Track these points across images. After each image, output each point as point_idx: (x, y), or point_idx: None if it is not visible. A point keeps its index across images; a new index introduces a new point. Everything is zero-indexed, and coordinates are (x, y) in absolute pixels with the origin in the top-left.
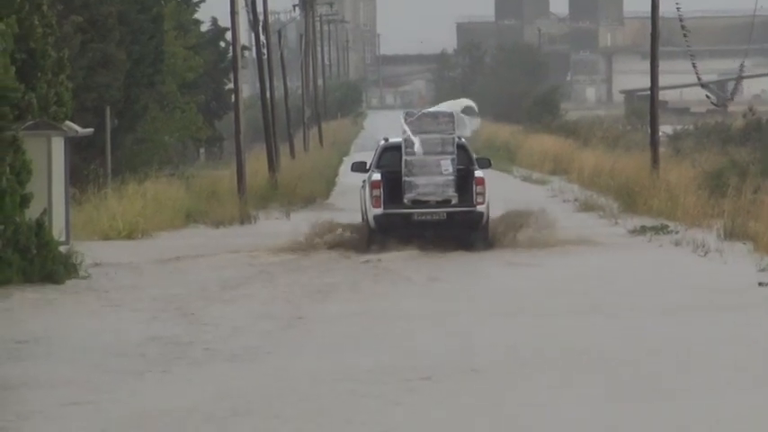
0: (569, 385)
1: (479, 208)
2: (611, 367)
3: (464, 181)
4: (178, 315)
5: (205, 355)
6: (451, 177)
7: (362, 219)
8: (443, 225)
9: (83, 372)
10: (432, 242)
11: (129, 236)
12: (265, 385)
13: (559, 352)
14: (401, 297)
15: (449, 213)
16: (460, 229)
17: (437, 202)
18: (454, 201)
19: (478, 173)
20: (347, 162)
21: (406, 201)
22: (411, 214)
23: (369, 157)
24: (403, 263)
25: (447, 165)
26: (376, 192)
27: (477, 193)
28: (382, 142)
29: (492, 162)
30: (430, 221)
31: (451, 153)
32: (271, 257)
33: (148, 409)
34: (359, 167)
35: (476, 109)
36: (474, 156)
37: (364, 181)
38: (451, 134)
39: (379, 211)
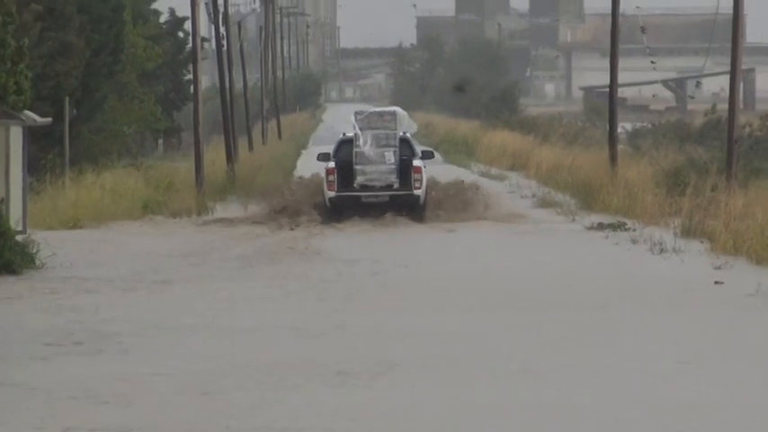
0: (488, 379)
1: (416, 192)
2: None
3: (405, 169)
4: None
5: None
6: (394, 166)
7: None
8: (387, 206)
9: None
10: (377, 219)
11: (86, 226)
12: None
13: (474, 349)
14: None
15: (391, 196)
16: (401, 209)
17: (381, 187)
18: (396, 186)
19: (417, 162)
20: (305, 155)
21: (355, 185)
22: (360, 196)
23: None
24: (339, 240)
25: (390, 156)
26: (331, 177)
27: (414, 180)
28: (341, 136)
29: (435, 153)
30: (375, 203)
31: (394, 146)
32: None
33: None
34: (324, 157)
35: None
36: (417, 148)
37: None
38: (394, 130)
39: (333, 193)
